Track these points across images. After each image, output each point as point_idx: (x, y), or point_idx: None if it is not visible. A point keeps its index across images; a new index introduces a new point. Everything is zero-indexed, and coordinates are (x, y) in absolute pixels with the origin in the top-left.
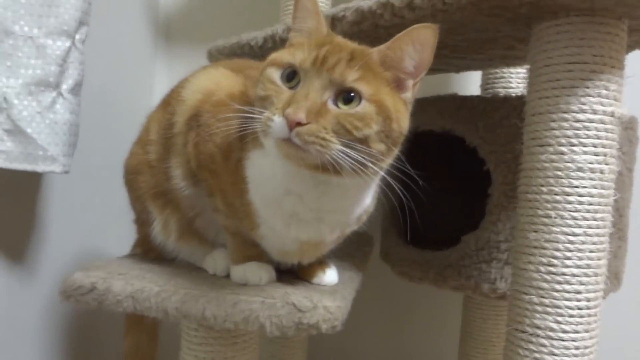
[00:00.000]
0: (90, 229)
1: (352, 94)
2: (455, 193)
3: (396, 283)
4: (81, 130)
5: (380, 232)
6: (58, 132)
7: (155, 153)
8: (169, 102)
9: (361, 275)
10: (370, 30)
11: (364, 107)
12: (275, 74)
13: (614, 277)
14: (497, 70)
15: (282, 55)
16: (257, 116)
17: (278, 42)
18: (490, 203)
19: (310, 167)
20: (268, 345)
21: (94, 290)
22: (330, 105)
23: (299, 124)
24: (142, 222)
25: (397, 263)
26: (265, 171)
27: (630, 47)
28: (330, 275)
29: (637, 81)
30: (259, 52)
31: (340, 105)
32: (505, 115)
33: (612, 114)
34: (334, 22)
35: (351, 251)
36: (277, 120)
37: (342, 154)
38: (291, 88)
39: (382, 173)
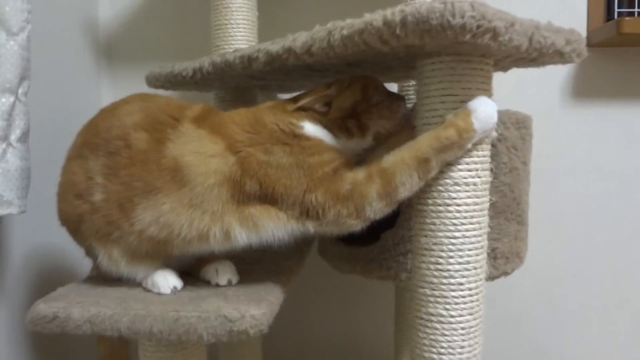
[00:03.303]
0: (49, 255)
1: None
2: None
3: None
4: (34, 163)
5: None
6: (11, 178)
7: (104, 194)
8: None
9: (294, 276)
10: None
11: None
12: None
13: (516, 256)
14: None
15: None
16: None
17: (205, 74)
18: (402, 204)
19: None
20: None
21: (56, 319)
22: None
23: None
24: (91, 255)
25: (331, 258)
26: None
27: (506, 68)
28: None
29: (533, 81)
30: (191, 81)
31: None
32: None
33: None
34: (250, 61)
35: (287, 254)
36: None
37: None
38: None
39: None
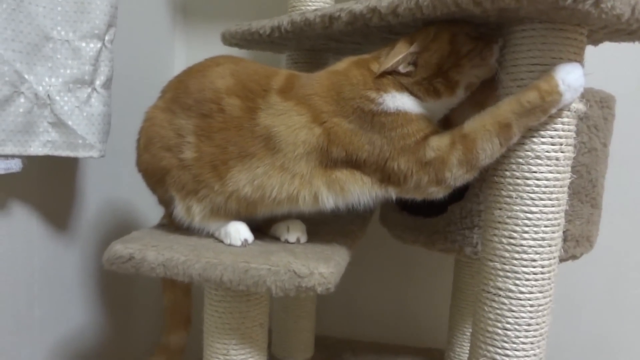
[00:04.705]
0: (121, 200)
1: None
2: None
3: (397, 242)
4: (112, 115)
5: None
6: (94, 122)
7: (196, 152)
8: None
9: (357, 240)
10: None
11: None
12: None
13: (586, 240)
14: None
15: None
16: None
17: (283, 33)
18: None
19: None
20: (280, 298)
21: (132, 260)
22: None
23: None
24: (165, 204)
25: (393, 227)
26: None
27: (597, 41)
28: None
29: (619, 64)
30: (267, 39)
31: None
32: None
33: (568, 109)
34: (332, 20)
35: (351, 218)
36: None
37: None
38: None
39: None
